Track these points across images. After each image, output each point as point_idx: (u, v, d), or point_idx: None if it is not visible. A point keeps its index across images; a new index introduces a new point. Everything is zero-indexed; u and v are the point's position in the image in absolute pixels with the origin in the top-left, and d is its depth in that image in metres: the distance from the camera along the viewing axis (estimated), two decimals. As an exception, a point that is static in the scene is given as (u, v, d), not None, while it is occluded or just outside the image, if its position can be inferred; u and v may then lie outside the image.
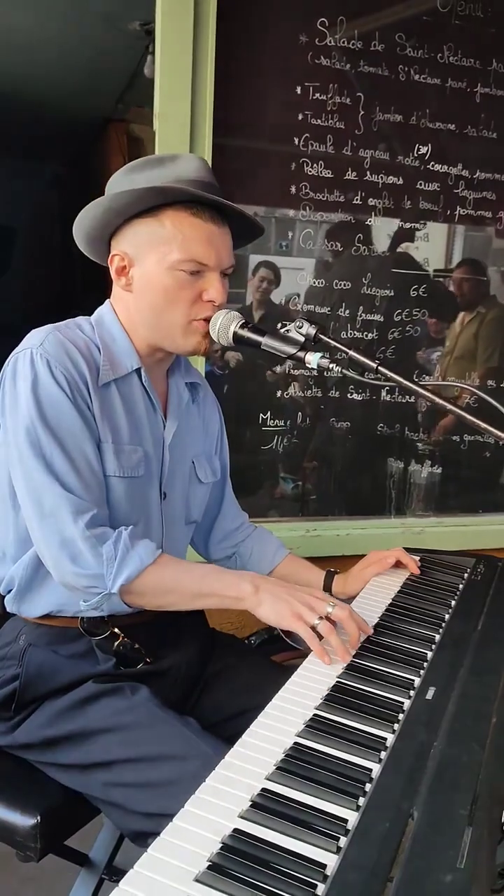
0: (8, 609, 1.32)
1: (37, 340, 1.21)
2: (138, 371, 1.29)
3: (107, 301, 1.33)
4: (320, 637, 1.15)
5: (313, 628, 1.14)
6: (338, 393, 2.42)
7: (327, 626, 1.14)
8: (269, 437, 2.38)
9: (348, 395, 2.43)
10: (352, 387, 2.42)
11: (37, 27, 3.71)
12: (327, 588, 1.51)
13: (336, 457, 2.48)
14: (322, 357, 1.22)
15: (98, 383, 1.23)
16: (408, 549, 1.62)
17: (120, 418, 1.26)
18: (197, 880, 0.71)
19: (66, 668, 1.25)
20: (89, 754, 1.18)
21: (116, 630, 1.25)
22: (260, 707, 1.02)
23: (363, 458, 2.51)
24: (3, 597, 1.32)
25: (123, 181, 1.25)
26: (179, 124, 2.06)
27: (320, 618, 1.14)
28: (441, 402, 1.13)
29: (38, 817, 1.15)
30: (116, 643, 1.25)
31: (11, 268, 6.78)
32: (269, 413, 2.36)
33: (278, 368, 2.35)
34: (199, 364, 2.21)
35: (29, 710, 1.26)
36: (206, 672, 1.40)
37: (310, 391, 2.39)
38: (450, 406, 1.13)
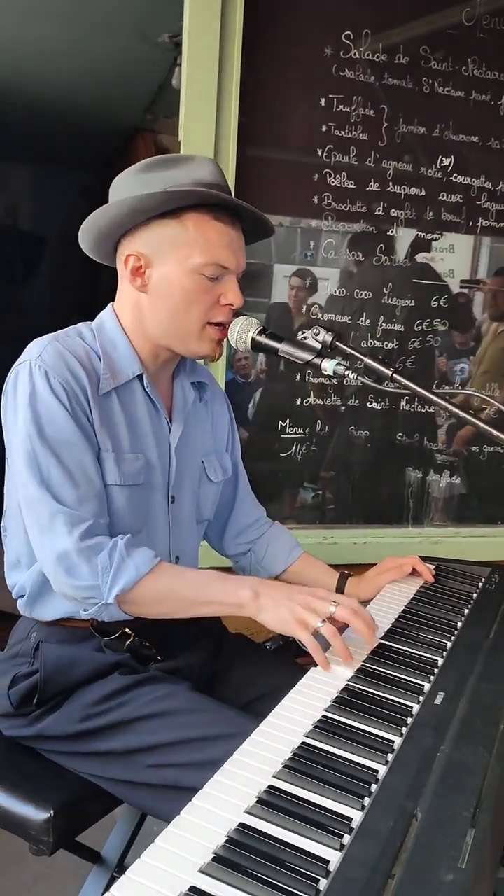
0: (21, 613, 1.34)
1: (35, 352, 1.21)
2: (140, 377, 1.29)
3: (109, 306, 1.33)
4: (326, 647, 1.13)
5: (317, 632, 1.12)
6: (357, 401, 2.44)
7: (330, 629, 1.12)
8: (287, 444, 2.40)
9: (368, 403, 2.45)
10: (371, 395, 2.43)
11: (68, 38, 3.77)
12: (340, 590, 1.51)
13: (354, 465, 2.49)
14: (338, 364, 1.23)
15: (98, 393, 1.23)
16: (423, 558, 1.63)
17: (120, 427, 1.26)
18: (202, 871, 0.73)
19: (85, 659, 1.26)
20: (132, 741, 1.18)
21: (127, 630, 1.26)
22: (267, 696, 1.03)
23: (382, 467, 2.52)
24: (17, 599, 1.34)
25: (135, 181, 1.24)
26: (204, 135, 2.10)
27: (323, 620, 1.13)
28: (454, 410, 1.14)
29: (52, 811, 1.16)
30: (128, 642, 1.27)
31: (38, 274, 6.88)
32: (288, 420, 2.38)
33: (298, 376, 2.37)
34: (221, 372, 2.23)
35: (54, 703, 1.26)
36: (216, 669, 1.41)
37: (329, 399, 2.41)
38: (462, 414, 1.14)
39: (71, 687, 1.26)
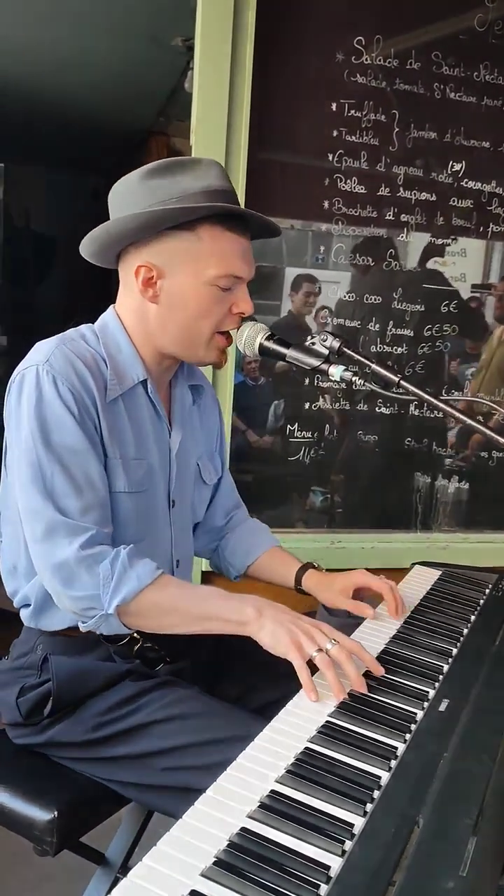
0: (26, 624, 1.32)
1: (42, 356, 1.18)
2: (144, 382, 1.28)
3: (110, 308, 1.31)
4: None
5: (311, 661, 1.09)
6: (366, 406, 2.44)
7: (326, 659, 1.08)
8: (295, 448, 2.40)
9: (376, 408, 2.45)
10: (380, 400, 2.44)
11: (81, 42, 3.80)
12: (297, 581, 1.44)
13: (363, 470, 2.49)
14: (345, 370, 1.23)
15: (106, 400, 1.21)
16: (430, 564, 1.63)
17: (126, 433, 1.25)
18: (203, 875, 0.73)
19: (98, 669, 1.25)
20: (145, 745, 1.18)
21: (135, 634, 1.25)
22: (270, 693, 1.03)
23: (390, 472, 2.52)
24: (18, 609, 1.33)
25: (140, 188, 1.22)
26: (215, 138, 2.11)
27: (319, 650, 1.09)
28: (460, 416, 1.14)
29: (56, 812, 1.17)
30: (136, 647, 1.26)
31: (51, 275, 6.93)
32: (296, 424, 2.38)
33: (307, 380, 2.37)
34: (229, 374, 2.24)
35: (65, 712, 1.26)
36: (220, 667, 1.41)
37: (338, 404, 2.41)
38: (469, 421, 1.14)
39: (86, 695, 1.25)
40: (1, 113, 4.92)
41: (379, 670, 1.13)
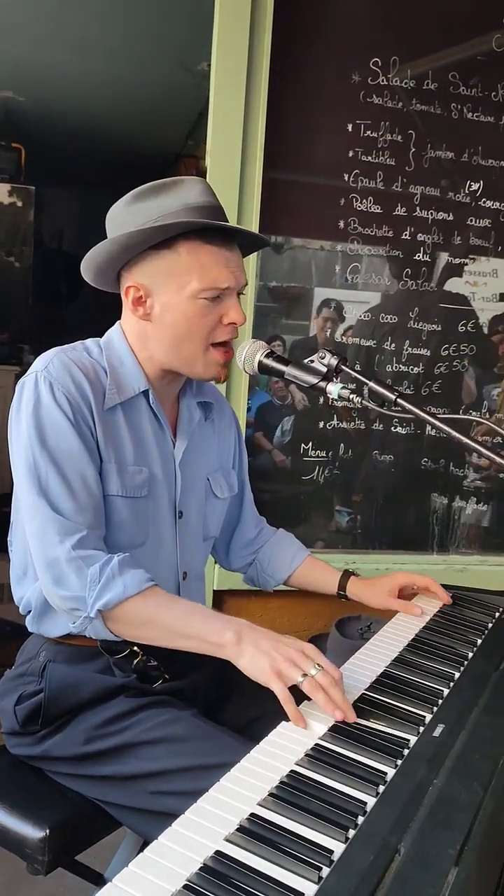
0: (29, 629, 1.35)
1: (41, 364, 1.23)
2: (145, 393, 1.31)
3: (117, 323, 1.35)
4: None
5: (295, 686, 1.06)
6: (382, 426, 2.42)
7: (312, 683, 1.05)
8: (310, 467, 2.38)
9: (392, 428, 2.42)
10: (395, 420, 2.41)
11: (114, 68, 3.87)
12: (342, 588, 1.52)
13: (378, 490, 2.46)
14: (343, 388, 1.23)
15: (103, 407, 1.25)
16: (443, 586, 1.60)
17: (125, 440, 1.27)
18: (172, 899, 0.72)
19: (90, 681, 1.26)
20: (134, 766, 1.18)
21: (136, 648, 1.26)
22: (270, 716, 1.03)
23: (406, 493, 2.49)
24: (25, 615, 1.35)
25: (127, 212, 1.26)
26: (230, 159, 2.12)
27: (304, 675, 1.06)
28: (457, 435, 1.12)
29: (47, 830, 1.16)
30: (136, 661, 1.26)
31: (81, 297, 7.03)
32: (310, 443, 2.37)
33: (322, 399, 2.36)
34: (243, 394, 2.24)
35: (58, 725, 1.27)
36: (222, 688, 1.40)
37: (353, 423, 2.39)
38: (466, 440, 1.12)
39: (75, 708, 1.26)
40: (33, 137, 5.02)
41: (351, 717, 1.06)
